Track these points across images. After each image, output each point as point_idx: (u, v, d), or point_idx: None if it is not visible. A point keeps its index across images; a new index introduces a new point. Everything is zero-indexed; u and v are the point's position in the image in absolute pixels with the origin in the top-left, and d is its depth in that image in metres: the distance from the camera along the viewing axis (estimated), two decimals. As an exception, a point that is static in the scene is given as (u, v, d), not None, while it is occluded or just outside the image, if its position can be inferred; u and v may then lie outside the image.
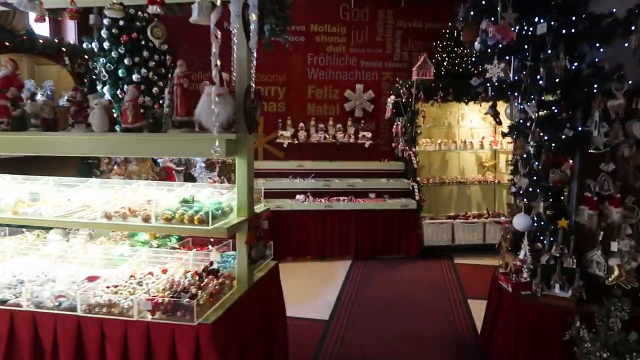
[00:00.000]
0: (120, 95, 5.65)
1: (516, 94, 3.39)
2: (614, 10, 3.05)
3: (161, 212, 2.52)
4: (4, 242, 3.24)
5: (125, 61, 6.01)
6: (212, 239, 3.29)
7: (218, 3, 2.36)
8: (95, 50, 6.00)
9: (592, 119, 3.23)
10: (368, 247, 6.65)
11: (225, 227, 2.46)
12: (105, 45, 5.99)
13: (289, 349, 3.38)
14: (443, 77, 6.85)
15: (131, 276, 2.68)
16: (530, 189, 3.60)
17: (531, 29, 3.17)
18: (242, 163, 2.69)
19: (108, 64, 6.08)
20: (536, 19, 3.11)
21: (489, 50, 3.33)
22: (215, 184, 6.29)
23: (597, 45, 3.08)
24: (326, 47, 7.48)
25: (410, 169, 6.95)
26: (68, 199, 2.81)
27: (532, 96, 3.27)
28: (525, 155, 3.58)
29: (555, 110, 3.33)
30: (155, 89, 5.95)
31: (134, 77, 6.03)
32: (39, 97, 3.51)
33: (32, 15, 3.07)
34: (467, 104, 6.99)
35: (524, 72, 3.39)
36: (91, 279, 2.67)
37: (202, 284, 2.53)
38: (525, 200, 3.69)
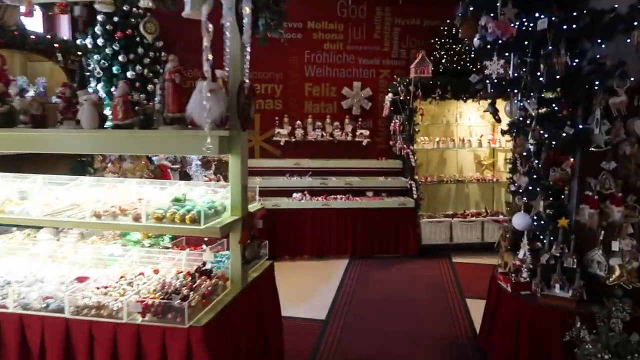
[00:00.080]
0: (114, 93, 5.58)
1: (516, 91, 3.33)
2: (616, 5, 2.99)
3: (152, 211, 2.45)
4: (-7, 241, 3.17)
5: (120, 58, 5.94)
6: (206, 239, 3.23)
7: (210, -5, 2.30)
8: (89, 46, 5.94)
9: (593, 117, 3.17)
10: (365, 246, 6.59)
11: (217, 226, 2.40)
12: (100, 41, 5.93)
13: (284, 350, 3.32)
14: (441, 74, 6.80)
15: (122, 277, 2.61)
16: (530, 188, 3.55)
17: (531, 24, 3.10)
18: (235, 161, 2.62)
19: (102, 61, 6.02)
20: (536, 15, 3.04)
21: (489, 47, 3.26)
22: (210, 182, 6.26)
23: (599, 41, 3.02)
24: (323, 44, 7.41)
25: (408, 167, 6.90)
26: (56, 197, 2.73)
27: (532, 93, 3.21)
28: (525, 154, 3.53)
29: (556, 108, 3.27)
30: (150, 86, 5.88)
31: (129, 74, 5.96)
32: (31, 93, 3.44)
33: (22, 10, 3.01)
34: (465, 101, 6.95)
35: (524, 69, 3.33)
36: (81, 279, 2.60)
37: (194, 285, 2.46)
38: (525, 199, 3.63)
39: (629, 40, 2.91)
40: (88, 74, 5.95)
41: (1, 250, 3.04)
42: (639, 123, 3.13)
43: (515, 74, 3.39)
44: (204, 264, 2.78)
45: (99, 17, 5.87)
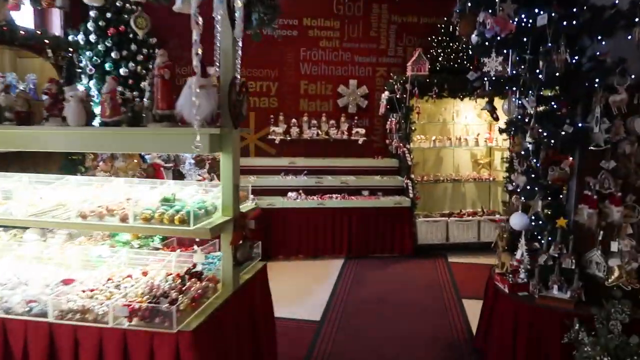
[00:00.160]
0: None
1: (514, 88, 3.27)
2: (617, 2, 2.94)
3: (140, 211, 2.37)
4: (-23, 242, 3.08)
5: (113, 55, 5.88)
6: (197, 239, 3.15)
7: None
8: (81, 43, 5.85)
9: (592, 115, 3.12)
10: (361, 246, 6.53)
11: (208, 227, 2.32)
12: (92, 38, 5.84)
13: (277, 353, 3.25)
14: (438, 72, 6.74)
15: (109, 279, 2.53)
16: (528, 187, 3.49)
17: (530, 21, 3.04)
18: (227, 159, 2.55)
19: (94, 58, 5.94)
20: (536, 11, 2.98)
21: (487, 44, 3.20)
22: (204, 181, 6.17)
23: (599, 38, 2.96)
24: (319, 41, 7.34)
25: (404, 166, 6.84)
26: (40, 197, 2.64)
27: (531, 91, 3.15)
28: (523, 152, 3.47)
29: (555, 106, 3.21)
30: (143, 84, 5.78)
31: (122, 71, 5.89)
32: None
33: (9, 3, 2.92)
34: (462, 100, 6.89)
35: (522, 66, 3.27)
36: (66, 282, 2.52)
37: (183, 288, 2.38)
38: (522, 198, 3.58)
39: (629, 37, 2.85)
40: (80, 70, 5.87)
41: (-14, 251, 2.96)
42: (639, 121, 3.08)
43: (514, 72, 3.33)
44: (194, 265, 2.70)
45: (92, 13, 5.79)
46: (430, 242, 6.72)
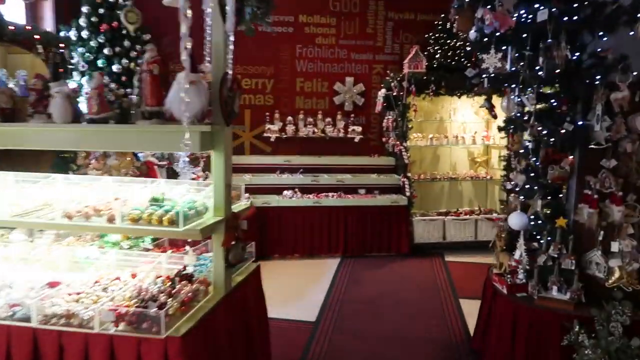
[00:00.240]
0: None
1: (513, 85, 3.20)
2: (619, -4, 2.87)
3: (128, 211, 2.28)
4: (-39, 243, 2.99)
5: (105, 51, 5.78)
6: (189, 240, 3.07)
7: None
8: (74, 39, 5.75)
9: (593, 113, 3.05)
10: (357, 245, 6.47)
11: (198, 228, 2.24)
12: (84, 34, 5.75)
13: (271, 354, 3.18)
14: (435, 70, 6.67)
15: (96, 282, 2.44)
16: (528, 186, 3.43)
17: (530, 16, 2.96)
18: (218, 158, 2.47)
19: (87, 54, 5.85)
20: (536, 6, 2.90)
21: (486, 39, 3.12)
22: (198, 179, 6.09)
23: (600, 34, 2.89)
24: (315, 38, 7.26)
25: (400, 165, 6.78)
26: (25, 196, 2.55)
27: (531, 88, 3.08)
28: (522, 151, 3.40)
29: (555, 103, 3.14)
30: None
31: (115, 67, 5.79)
32: (11, 87, 3.26)
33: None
34: (459, 97, 6.83)
35: (522, 63, 3.20)
36: (52, 284, 2.43)
37: (173, 291, 2.30)
38: (522, 197, 3.51)
39: (632, 33, 2.78)
40: (72, 67, 5.78)
41: (-30, 252, 2.86)
42: (641, 119, 3.02)
43: (513, 68, 3.26)
44: (185, 267, 2.62)
45: (84, 9, 5.70)
46: (427, 241, 6.67)
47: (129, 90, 5.46)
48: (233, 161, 7.57)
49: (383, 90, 6.81)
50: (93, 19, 5.74)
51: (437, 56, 6.78)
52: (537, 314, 3.23)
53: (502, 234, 3.90)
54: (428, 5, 7.20)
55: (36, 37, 5.15)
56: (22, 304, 2.22)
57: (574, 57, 2.97)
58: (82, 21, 5.75)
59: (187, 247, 3.03)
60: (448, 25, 6.64)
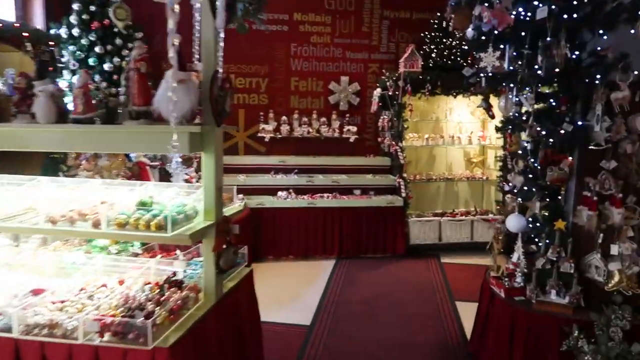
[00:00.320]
0: (90, 86, 5.31)
1: (512, 85, 3.13)
2: (619, -7, 2.80)
3: (114, 216, 2.19)
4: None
5: (97, 49, 5.67)
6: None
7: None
8: (65, 36, 5.65)
9: (593, 113, 2.99)
10: (352, 246, 6.40)
11: (187, 233, 2.15)
12: (75, 31, 5.64)
13: (265, 359, 3.10)
14: (431, 69, 6.60)
15: (82, 289, 2.35)
16: (526, 188, 3.37)
17: (529, 14, 2.90)
18: (209, 159, 2.38)
19: (78, 52, 5.74)
20: (535, 3, 2.83)
21: (483, 38, 3.05)
22: (192, 180, 5.99)
23: (600, 32, 2.82)
24: (310, 37, 7.18)
25: (396, 165, 6.71)
26: (8, 200, 2.46)
27: (529, 88, 3.01)
28: (520, 152, 3.34)
29: (554, 103, 3.08)
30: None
31: (106, 66, 5.69)
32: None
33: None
34: (455, 97, 6.76)
35: (520, 62, 3.13)
36: (36, 292, 2.34)
37: (162, 298, 2.21)
38: (520, 199, 3.45)
39: (632, 31, 2.72)
40: (62, 65, 5.67)
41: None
42: (641, 120, 2.96)
43: (511, 67, 3.19)
44: (174, 274, 2.53)
45: (75, 6, 5.59)
46: (422, 242, 6.61)
47: (121, 89, 5.38)
48: (226, 162, 7.47)
49: (378, 90, 6.74)
50: (84, 16, 5.63)
51: (433, 55, 6.72)
52: (535, 319, 3.18)
53: (499, 237, 3.85)
54: (424, 4, 7.14)
55: (25, 34, 5.05)
56: (3, 313, 2.13)
57: (574, 56, 2.91)
58: (72, 18, 5.64)
59: (178, 251, 2.94)
60: (444, 24, 6.58)
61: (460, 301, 4.93)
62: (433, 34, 6.77)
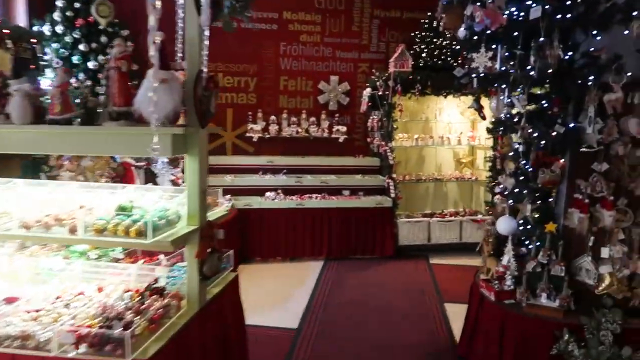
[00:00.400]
0: (73, 85, 5.18)
1: (503, 86, 3.08)
2: (613, -7, 2.76)
3: (92, 221, 2.09)
4: None
5: (81, 47, 5.55)
6: (162, 248, 2.87)
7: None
8: (48, 34, 5.51)
9: (585, 114, 2.96)
10: (341, 247, 6.33)
11: (168, 240, 2.06)
12: (59, 29, 5.51)
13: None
14: (421, 69, 6.55)
15: (58, 297, 2.24)
16: (517, 190, 3.33)
17: (522, 14, 2.85)
18: (193, 162, 2.29)
19: (61, 50, 5.61)
20: (528, 3, 2.78)
21: (476, 38, 3.00)
22: (178, 181, 5.87)
23: (594, 33, 2.78)
24: (300, 36, 7.10)
25: (385, 165, 6.65)
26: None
27: (522, 89, 2.96)
28: (512, 153, 3.29)
29: (546, 105, 3.03)
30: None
31: (90, 64, 5.57)
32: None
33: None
34: (445, 97, 6.72)
35: (512, 63, 3.09)
36: (10, 300, 2.23)
37: (142, 307, 2.12)
38: (511, 202, 3.41)
39: (626, 32, 2.68)
40: (45, 63, 5.53)
41: None
42: (633, 122, 2.93)
43: (503, 68, 3.14)
44: (156, 280, 2.44)
45: (59, 3, 5.47)
46: (411, 243, 6.56)
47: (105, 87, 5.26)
48: (214, 162, 7.34)
49: (368, 90, 6.68)
50: (68, 13, 5.52)
51: (423, 55, 6.67)
52: (525, 322, 3.15)
53: (489, 239, 3.81)
54: (414, 3, 7.09)
55: (5, 31, 4.89)
56: (-27, 323, 2.02)
57: (567, 57, 2.87)
58: (56, 15, 5.52)
59: (162, 256, 2.84)
60: (434, 24, 6.54)
61: (449, 302, 4.89)
62: (423, 33, 6.72)
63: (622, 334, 2.94)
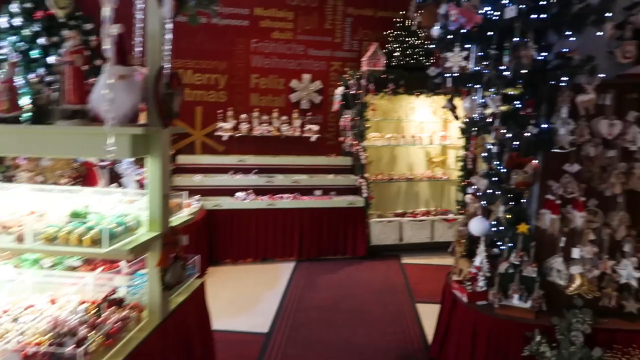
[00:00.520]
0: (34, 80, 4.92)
1: (477, 85, 3.04)
2: (587, -6, 2.75)
3: (42, 229, 1.92)
4: None
5: (41, 40, 5.26)
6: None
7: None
8: (5, 27, 5.22)
9: (557, 116, 2.95)
10: (312, 248, 6.24)
11: (126, 248, 1.91)
12: (17, 21, 5.22)
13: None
14: (394, 68, 6.52)
15: (5, 311, 2.06)
16: (490, 191, 3.30)
17: (497, 13, 2.81)
18: (154, 165, 2.14)
19: (19, 43, 5.32)
20: (503, 2, 2.74)
21: (450, 37, 2.94)
22: (143, 181, 5.65)
23: (567, 33, 2.76)
24: (271, 33, 6.95)
25: (358, 165, 6.59)
26: None
27: (496, 89, 2.93)
28: (485, 154, 3.26)
29: (519, 105, 3.01)
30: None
31: (51, 58, 5.28)
32: None
33: None
34: (417, 97, 6.71)
35: (486, 62, 3.05)
36: (-50, 315, 2.04)
37: (98, 320, 1.97)
38: (483, 203, 3.39)
39: (600, 33, 2.68)
40: (1, 58, 5.23)
41: None
42: (604, 123, 2.94)
43: (476, 68, 3.10)
44: (114, 290, 2.28)
45: (18, -7, 5.17)
46: (383, 243, 6.53)
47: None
48: (183, 161, 7.09)
49: (341, 88, 6.60)
50: (27, 4, 5.22)
51: (395, 54, 6.64)
52: (497, 324, 3.13)
53: (462, 240, 3.78)
54: (387, 2, 7.05)
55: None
56: None
57: (540, 57, 2.85)
58: (14, 7, 5.22)
59: (123, 263, 2.67)
60: (407, 23, 6.51)
61: (421, 302, 4.88)
62: (396, 32, 6.69)
63: (592, 334, 2.95)
